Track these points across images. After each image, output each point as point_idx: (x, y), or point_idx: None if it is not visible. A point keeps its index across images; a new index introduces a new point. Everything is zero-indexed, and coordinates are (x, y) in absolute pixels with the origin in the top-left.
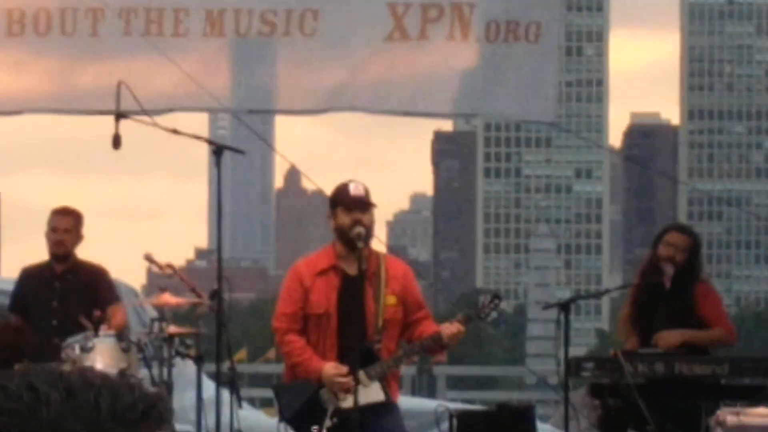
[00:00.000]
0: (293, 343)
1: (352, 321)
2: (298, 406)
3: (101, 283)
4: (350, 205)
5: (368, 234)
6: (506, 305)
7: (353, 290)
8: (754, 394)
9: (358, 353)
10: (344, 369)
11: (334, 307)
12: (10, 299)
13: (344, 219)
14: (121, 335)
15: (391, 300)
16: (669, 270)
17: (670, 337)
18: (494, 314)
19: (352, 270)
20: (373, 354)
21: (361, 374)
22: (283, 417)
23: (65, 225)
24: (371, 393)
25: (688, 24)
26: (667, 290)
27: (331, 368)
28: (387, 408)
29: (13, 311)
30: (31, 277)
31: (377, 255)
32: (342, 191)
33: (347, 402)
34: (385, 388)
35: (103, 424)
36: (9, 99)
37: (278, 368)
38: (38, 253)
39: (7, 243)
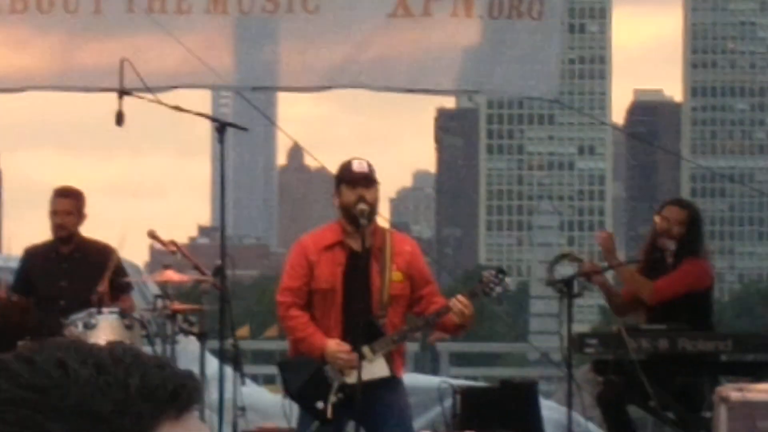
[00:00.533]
0: (297, 318)
1: (357, 297)
2: (302, 381)
3: (110, 261)
4: (354, 181)
5: (372, 211)
6: (510, 281)
7: (359, 266)
8: (758, 370)
9: (362, 328)
10: (347, 346)
11: (340, 282)
12: (14, 279)
13: (348, 196)
14: (124, 312)
15: (397, 276)
16: (670, 245)
17: (608, 248)
18: (499, 289)
19: (357, 246)
20: (377, 329)
21: (366, 349)
22: (288, 393)
23: (66, 207)
24: (376, 368)
25: (691, 1)
26: (668, 265)
27: (334, 345)
28: (391, 384)
29: (17, 291)
30: (36, 257)
31: (383, 231)
32: (346, 168)
33: (352, 377)
34: (390, 363)
35: (131, 403)
36: (11, 76)
37: (281, 345)
38: (40, 230)
39: (9, 220)
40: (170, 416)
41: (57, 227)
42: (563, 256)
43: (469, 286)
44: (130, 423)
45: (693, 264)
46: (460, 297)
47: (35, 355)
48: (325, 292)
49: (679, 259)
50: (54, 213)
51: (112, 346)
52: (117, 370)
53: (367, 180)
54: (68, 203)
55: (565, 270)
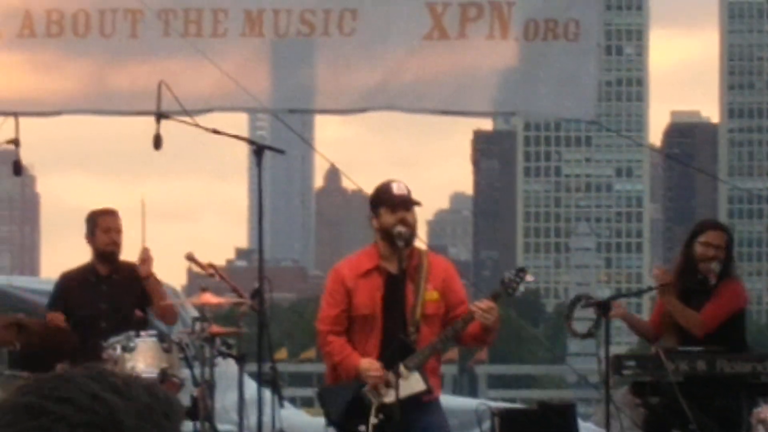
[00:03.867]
0: (333, 342)
1: (395, 319)
2: (343, 407)
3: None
4: (395, 204)
5: (412, 233)
6: (546, 303)
7: (396, 289)
8: None
9: (394, 347)
10: (377, 364)
11: (380, 307)
12: (49, 302)
13: (389, 218)
14: (163, 335)
15: (433, 295)
16: (716, 268)
17: (667, 288)
18: (521, 288)
19: (394, 269)
20: (409, 346)
21: (400, 366)
22: (330, 420)
23: (118, 225)
24: (412, 384)
25: (727, 22)
26: (711, 287)
27: (366, 363)
28: (430, 406)
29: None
30: (73, 280)
31: (419, 252)
32: (385, 191)
33: (390, 396)
34: (425, 377)
35: (160, 423)
36: (48, 100)
37: (318, 368)
38: (77, 254)
39: (45, 244)
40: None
41: (111, 243)
42: (577, 300)
43: (505, 305)
44: None
45: (732, 287)
46: (482, 300)
47: (68, 392)
48: (365, 318)
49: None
50: (106, 231)
51: (127, 375)
52: (145, 398)
53: (408, 202)
54: (119, 222)
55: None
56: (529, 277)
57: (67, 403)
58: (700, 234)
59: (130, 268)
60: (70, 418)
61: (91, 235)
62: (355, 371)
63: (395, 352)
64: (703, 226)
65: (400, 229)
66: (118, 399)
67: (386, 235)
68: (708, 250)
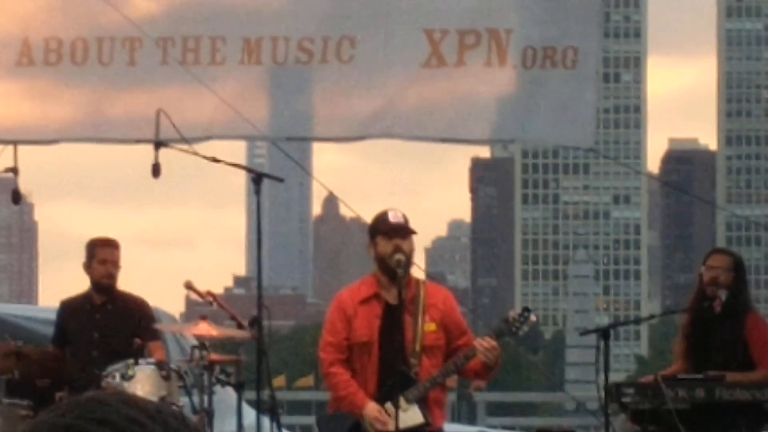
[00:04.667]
0: (339, 376)
1: (393, 348)
2: None
3: (142, 315)
4: (390, 232)
5: (408, 261)
6: (545, 331)
7: (394, 318)
8: None
9: (395, 379)
10: (386, 417)
11: (377, 335)
12: (54, 332)
13: (385, 247)
14: (162, 364)
15: (431, 327)
16: (722, 294)
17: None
18: (525, 328)
19: (392, 298)
20: (409, 378)
21: (400, 399)
22: None
23: (115, 257)
24: (411, 417)
25: (725, 50)
26: (717, 315)
27: (374, 411)
28: None
29: (55, 343)
30: (71, 309)
31: (416, 282)
32: (381, 220)
33: (390, 427)
34: (425, 411)
35: None
36: (46, 128)
37: (316, 395)
38: (75, 282)
39: (43, 273)
40: None
41: (107, 275)
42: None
43: (497, 324)
44: None
45: (758, 319)
46: (485, 338)
47: (107, 415)
48: (362, 346)
49: (730, 309)
50: (102, 262)
51: (155, 403)
52: (176, 423)
53: (404, 231)
54: (116, 254)
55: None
56: (533, 318)
57: (106, 426)
58: (707, 260)
59: (126, 298)
60: None
61: (89, 265)
62: (359, 411)
63: (396, 383)
64: (711, 251)
65: (399, 257)
66: (152, 423)
67: (383, 263)
68: (712, 272)
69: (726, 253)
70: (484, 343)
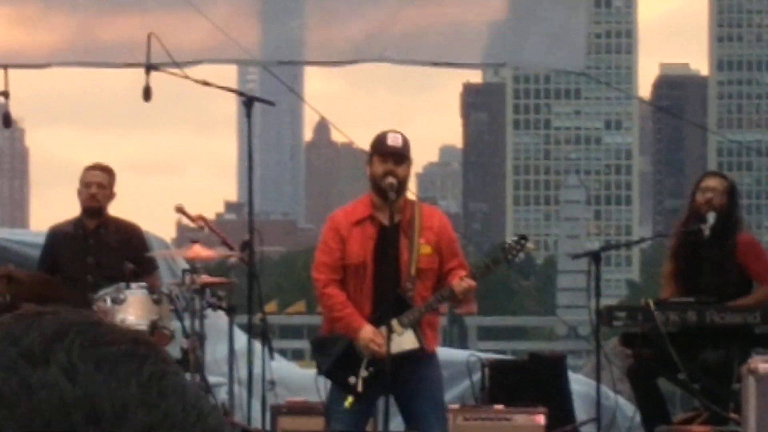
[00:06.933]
0: (334, 297)
1: (387, 271)
2: (334, 357)
3: (135, 240)
4: (385, 155)
5: (401, 186)
6: (536, 256)
7: (388, 241)
8: None
9: (390, 302)
10: (381, 338)
11: (371, 257)
12: (39, 258)
13: (378, 168)
14: (153, 288)
15: (426, 249)
16: (711, 218)
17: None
18: (522, 255)
19: (387, 220)
20: (405, 302)
21: (394, 323)
22: (321, 370)
23: (98, 180)
24: (404, 341)
25: None
26: (706, 238)
27: (370, 332)
28: (424, 358)
29: (42, 269)
30: (62, 235)
31: (412, 204)
32: (380, 140)
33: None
34: (419, 336)
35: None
36: (36, 52)
37: (308, 320)
38: (66, 207)
39: (35, 198)
40: None
41: (89, 198)
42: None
43: (493, 252)
44: None
45: (752, 239)
46: (465, 281)
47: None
48: (356, 267)
49: (719, 232)
50: (87, 185)
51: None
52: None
53: (399, 156)
54: (101, 176)
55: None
56: (530, 246)
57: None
58: (701, 182)
59: (119, 223)
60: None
61: (79, 190)
62: (355, 333)
63: (390, 306)
64: (704, 174)
65: (391, 181)
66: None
67: (376, 185)
68: (706, 193)
69: (720, 177)
70: (463, 284)
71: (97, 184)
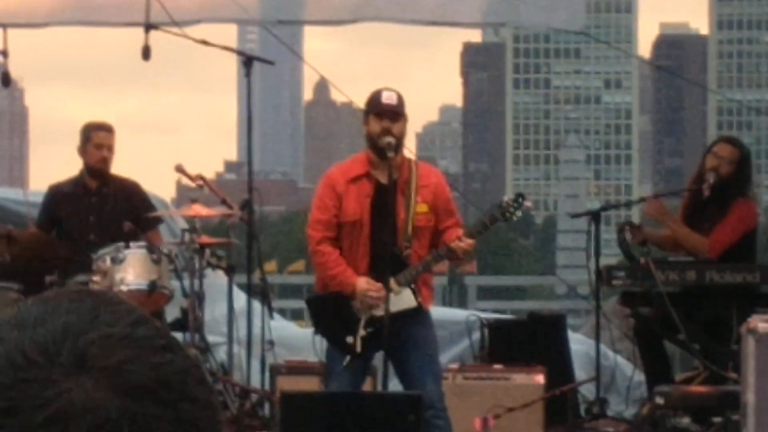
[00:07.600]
0: (328, 254)
1: (383, 229)
2: (331, 317)
3: (136, 197)
4: (381, 113)
5: (398, 144)
6: (536, 216)
7: (385, 198)
8: None
9: (387, 261)
10: (376, 284)
11: (367, 214)
12: (40, 216)
13: (374, 126)
14: (152, 247)
15: (423, 208)
16: (710, 178)
17: (660, 214)
18: (519, 214)
19: (384, 178)
20: (402, 261)
21: (391, 281)
22: (317, 329)
23: (110, 142)
24: (402, 299)
25: None
26: (705, 198)
27: (364, 283)
28: (419, 316)
29: (41, 228)
30: (62, 194)
31: (410, 162)
32: (374, 99)
33: (379, 310)
34: (416, 294)
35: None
36: (36, 11)
37: (307, 279)
38: (65, 166)
39: (35, 157)
40: None
41: (101, 160)
42: (623, 228)
43: (490, 210)
44: None
45: (743, 207)
46: (464, 240)
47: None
48: (352, 225)
49: (719, 194)
50: (98, 146)
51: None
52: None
53: (394, 113)
54: (112, 138)
55: (592, 204)
56: (528, 204)
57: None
58: (714, 146)
59: (120, 182)
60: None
61: (84, 149)
62: (350, 288)
63: (387, 265)
64: (718, 139)
65: (389, 140)
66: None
67: (373, 143)
68: (716, 159)
69: (733, 145)
70: (461, 245)
71: (109, 147)
